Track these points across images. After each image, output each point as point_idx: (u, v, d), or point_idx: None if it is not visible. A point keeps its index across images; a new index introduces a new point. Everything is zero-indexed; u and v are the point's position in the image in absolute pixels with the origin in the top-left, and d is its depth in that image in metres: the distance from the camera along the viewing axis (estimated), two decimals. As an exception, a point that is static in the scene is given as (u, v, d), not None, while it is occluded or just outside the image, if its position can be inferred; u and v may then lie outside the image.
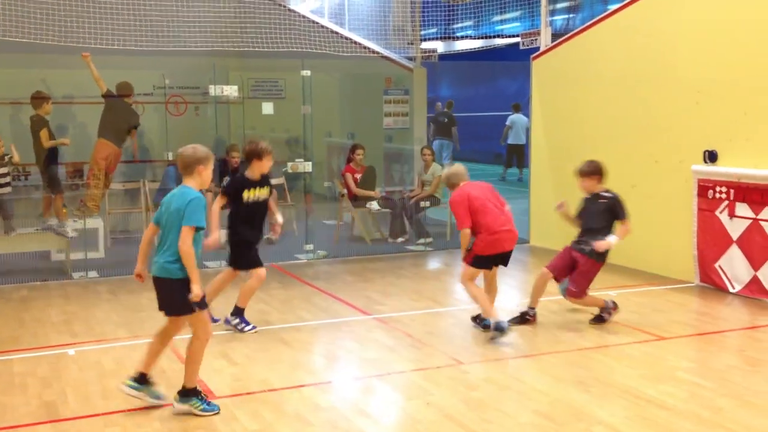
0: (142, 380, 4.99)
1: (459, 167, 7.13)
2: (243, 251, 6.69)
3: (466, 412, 4.90)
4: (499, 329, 6.35)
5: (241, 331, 6.69)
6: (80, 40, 9.54)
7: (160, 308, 4.92)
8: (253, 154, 6.58)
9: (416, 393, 5.28)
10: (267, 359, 6.00)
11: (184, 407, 4.88)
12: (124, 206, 11.62)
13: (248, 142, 6.78)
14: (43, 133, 9.17)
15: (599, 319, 6.87)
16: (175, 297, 4.75)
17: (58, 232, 9.13)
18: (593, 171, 6.82)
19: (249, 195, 6.62)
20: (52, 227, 9.19)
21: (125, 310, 7.39)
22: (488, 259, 6.67)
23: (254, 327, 6.77)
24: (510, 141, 19.03)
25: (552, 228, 10.49)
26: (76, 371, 5.75)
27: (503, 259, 6.80)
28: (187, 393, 4.91)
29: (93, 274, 8.97)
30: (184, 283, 4.69)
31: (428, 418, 4.82)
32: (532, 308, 6.98)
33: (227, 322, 6.79)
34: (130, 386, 4.97)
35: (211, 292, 6.50)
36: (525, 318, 6.95)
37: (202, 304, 4.82)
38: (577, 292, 6.78)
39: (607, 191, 6.83)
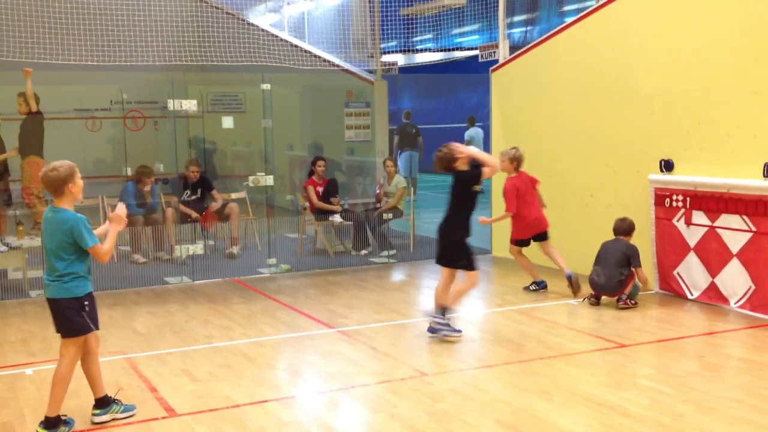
0: (105, 402, 5.02)
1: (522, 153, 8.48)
2: (469, 250, 6.88)
3: (431, 423, 4.90)
4: (570, 278, 8.16)
5: (443, 335, 6.75)
6: (35, 55, 9.42)
7: (57, 329, 4.90)
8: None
9: (381, 406, 5.27)
10: (229, 375, 5.94)
11: (106, 417, 4.99)
12: (82, 223, 11.44)
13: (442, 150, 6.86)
14: None
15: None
16: (66, 317, 4.81)
17: None
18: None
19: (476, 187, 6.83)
20: None
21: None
22: (525, 240, 8.65)
23: (459, 331, 6.83)
24: None
25: (513, 238, 10.58)
26: (34, 391, 5.63)
27: (540, 236, 8.59)
28: (104, 403, 5.00)
29: (51, 292, 8.81)
30: (81, 302, 4.81)
31: (393, 431, 4.80)
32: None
33: (431, 315, 6.84)
34: (98, 414, 5.00)
35: (454, 298, 6.86)
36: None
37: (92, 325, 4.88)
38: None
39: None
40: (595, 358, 6.24)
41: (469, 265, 6.84)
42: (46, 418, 4.80)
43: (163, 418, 5.09)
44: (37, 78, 9.23)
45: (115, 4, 10.03)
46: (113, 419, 5.01)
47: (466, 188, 6.76)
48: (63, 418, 4.87)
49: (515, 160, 8.41)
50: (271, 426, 4.92)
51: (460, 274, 6.91)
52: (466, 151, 6.80)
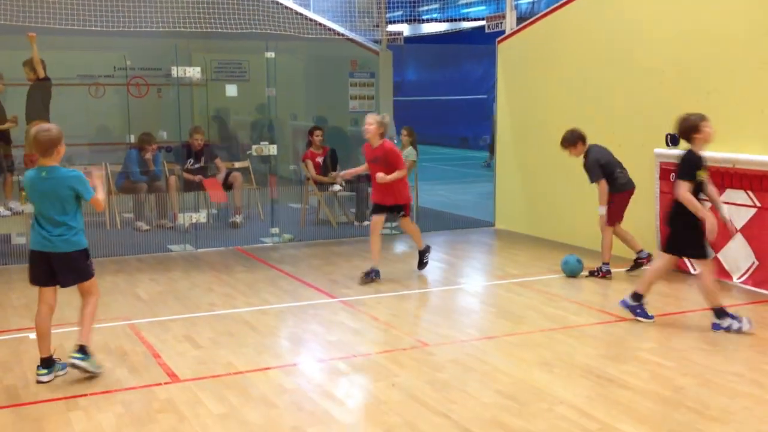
0: (84, 351, 5.19)
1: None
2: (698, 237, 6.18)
3: (431, 393, 4.92)
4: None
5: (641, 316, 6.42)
6: (38, 19, 9.33)
7: (66, 282, 5.17)
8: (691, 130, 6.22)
9: (381, 375, 5.29)
10: (232, 342, 5.97)
11: (86, 363, 5.15)
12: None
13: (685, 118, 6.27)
14: None
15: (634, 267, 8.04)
16: (81, 264, 5.17)
17: None
18: (570, 140, 7.91)
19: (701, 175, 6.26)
20: None
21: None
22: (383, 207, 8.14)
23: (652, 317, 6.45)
24: None
25: (517, 211, 10.58)
26: (37, 355, 5.64)
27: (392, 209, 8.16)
28: (85, 351, 5.19)
29: (54, 257, 8.83)
30: (87, 252, 5.20)
31: (393, 399, 4.83)
32: (642, 251, 8.03)
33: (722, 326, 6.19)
34: (77, 358, 5.14)
35: (646, 284, 6.43)
36: (639, 263, 8.01)
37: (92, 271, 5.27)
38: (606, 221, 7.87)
39: (587, 153, 7.86)
40: (596, 331, 6.26)
41: (699, 254, 6.30)
42: (81, 346, 5.17)
43: (166, 383, 5.12)
44: (41, 43, 9.16)
45: (119, -32, 9.93)
46: (55, 376, 5.19)
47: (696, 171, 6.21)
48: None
49: (383, 127, 7.92)
50: (273, 392, 4.95)
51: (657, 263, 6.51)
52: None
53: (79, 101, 12.25)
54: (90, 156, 11.77)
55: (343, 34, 12.52)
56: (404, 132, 11.49)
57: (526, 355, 5.65)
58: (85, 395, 4.91)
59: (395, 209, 8.11)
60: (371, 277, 7.91)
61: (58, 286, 5.24)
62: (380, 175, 7.82)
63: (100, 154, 11.88)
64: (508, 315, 6.73)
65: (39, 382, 5.11)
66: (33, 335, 6.10)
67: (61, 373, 5.23)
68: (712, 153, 7.62)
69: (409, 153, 11.24)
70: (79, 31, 9.61)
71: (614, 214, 7.88)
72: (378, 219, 8.06)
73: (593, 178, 7.79)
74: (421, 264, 8.38)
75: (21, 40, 9.06)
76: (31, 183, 5.10)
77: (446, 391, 4.96)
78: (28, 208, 9.15)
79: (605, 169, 7.79)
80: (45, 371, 5.15)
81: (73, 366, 5.12)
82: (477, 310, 7.14)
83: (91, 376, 5.17)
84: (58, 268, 5.13)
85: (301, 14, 12.05)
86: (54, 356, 5.27)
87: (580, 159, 7.90)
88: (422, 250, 8.39)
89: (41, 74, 9.42)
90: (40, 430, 4.41)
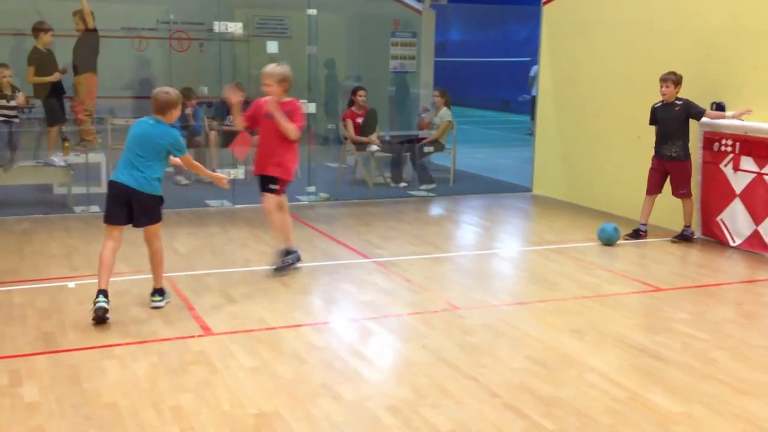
0: (162, 292, 5.75)
1: None
2: None
3: (461, 355, 4.94)
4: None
5: None
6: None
7: (139, 223, 5.56)
8: None
9: (412, 336, 5.32)
10: (265, 299, 6.04)
11: (163, 302, 5.72)
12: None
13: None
14: (30, 69, 9.11)
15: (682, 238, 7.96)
16: (156, 209, 5.58)
17: (47, 162, 9.13)
18: (680, 80, 7.71)
19: None
20: (45, 160, 9.20)
21: (125, 245, 7.33)
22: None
23: None
24: (535, 93, 18.73)
25: (556, 177, 10.47)
26: (76, 304, 5.79)
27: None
28: (162, 291, 5.75)
29: (95, 208, 8.97)
30: (161, 198, 5.61)
31: (423, 361, 4.86)
32: (644, 224, 8.05)
33: None
34: (160, 300, 5.70)
35: None
36: (638, 233, 8.00)
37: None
38: (685, 192, 7.80)
39: (679, 99, 7.75)
40: (630, 300, 6.21)
41: None
42: (157, 289, 5.73)
43: (200, 336, 5.21)
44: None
45: None
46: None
47: None
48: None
49: (286, 81, 6.44)
50: (303, 349, 5.01)
51: None
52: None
53: (123, 54, 12.35)
54: (133, 109, 11.88)
55: (386, -7, 12.39)
56: (436, 93, 11.36)
57: (557, 321, 5.63)
58: (120, 344, 5.01)
59: (266, 180, 6.48)
60: (289, 262, 6.59)
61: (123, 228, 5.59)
62: (271, 98, 6.33)
63: (141, 109, 11.97)
64: (541, 281, 6.70)
65: (99, 308, 5.28)
66: (72, 284, 6.26)
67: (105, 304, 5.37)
68: (757, 123, 7.46)
69: (444, 114, 11.13)
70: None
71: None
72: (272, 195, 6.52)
73: (701, 111, 7.69)
74: (280, 269, 6.55)
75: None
76: (138, 126, 5.56)
77: (476, 354, 4.97)
78: (71, 159, 9.31)
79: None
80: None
81: (156, 308, 5.66)
82: (510, 276, 7.12)
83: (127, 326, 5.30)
84: (136, 208, 5.48)
85: (344, -29, 11.95)
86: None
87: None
88: (285, 249, 6.59)
89: (90, 24, 9.50)
90: (75, 377, 4.52)
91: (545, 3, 10.50)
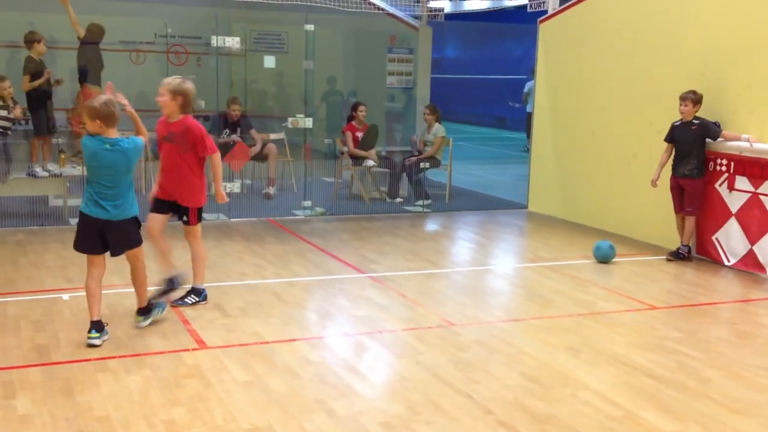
0: (148, 311, 5.60)
1: None
2: None
3: (455, 372, 4.94)
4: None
5: None
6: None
7: (117, 251, 5.36)
8: None
9: (406, 352, 5.31)
10: (260, 312, 6.03)
11: (148, 321, 5.59)
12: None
13: None
14: (25, 78, 9.13)
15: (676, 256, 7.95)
16: (132, 232, 5.39)
17: (29, 173, 9.11)
18: (699, 99, 7.74)
19: None
20: (28, 171, 9.18)
21: (119, 258, 7.39)
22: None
23: None
24: (530, 109, 18.78)
25: (551, 194, 10.50)
26: (70, 316, 5.78)
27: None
28: (147, 310, 5.60)
29: (90, 221, 8.95)
30: (134, 220, 5.39)
31: (416, 377, 4.85)
32: (686, 246, 7.96)
33: None
34: (143, 320, 5.57)
35: None
36: (680, 254, 7.94)
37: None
38: (692, 210, 7.82)
39: (696, 118, 7.78)
40: (625, 318, 6.21)
41: None
42: (141, 308, 5.60)
43: (194, 349, 5.20)
44: (84, 7, 9.26)
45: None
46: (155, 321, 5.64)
47: None
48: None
49: (182, 95, 5.95)
50: (297, 364, 5.00)
51: None
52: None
53: (121, 67, 12.37)
54: (129, 122, 11.85)
55: (383, 9, 12.45)
56: (426, 111, 11.34)
57: (552, 339, 5.63)
58: (114, 357, 5.00)
59: (179, 210, 6.12)
60: (172, 286, 5.98)
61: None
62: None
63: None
64: (536, 298, 6.70)
65: (90, 345, 5.14)
66: (66, 296, 6.24)
67: (106, 337, 5.26)
68: (756, 145, 7.50)
69: (437, 130, 11.14)
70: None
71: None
72: (157, 218, 6.06)
73: (717, 132, 7.72)
74: (162, 294, 5.89)
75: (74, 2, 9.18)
76: (99, 159, 5.16)
77: (470, 371, 4.97)
78: (67, 170, 9.30)
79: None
80: (96, 335, 5.19)
81: (140, 328, 5.55)
82: (505, 292, 7.13)
83: (119, 341, 5.28)
84: (111, 237, 5.28)
85: (341, -13, 12.00)
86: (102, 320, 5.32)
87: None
88: (170, 278, 6.00)
89: (81, 33, 9.52)
90: (68, 390, 4.50)
91: (542, 21, 10.57)
